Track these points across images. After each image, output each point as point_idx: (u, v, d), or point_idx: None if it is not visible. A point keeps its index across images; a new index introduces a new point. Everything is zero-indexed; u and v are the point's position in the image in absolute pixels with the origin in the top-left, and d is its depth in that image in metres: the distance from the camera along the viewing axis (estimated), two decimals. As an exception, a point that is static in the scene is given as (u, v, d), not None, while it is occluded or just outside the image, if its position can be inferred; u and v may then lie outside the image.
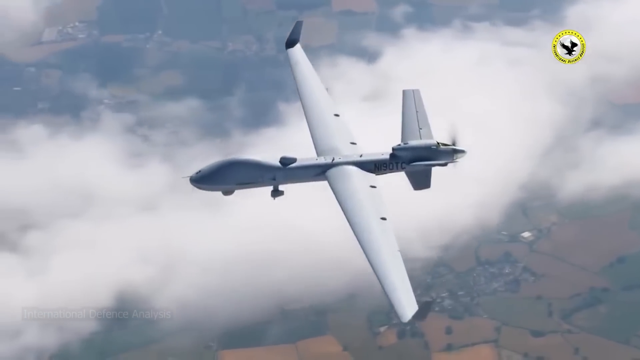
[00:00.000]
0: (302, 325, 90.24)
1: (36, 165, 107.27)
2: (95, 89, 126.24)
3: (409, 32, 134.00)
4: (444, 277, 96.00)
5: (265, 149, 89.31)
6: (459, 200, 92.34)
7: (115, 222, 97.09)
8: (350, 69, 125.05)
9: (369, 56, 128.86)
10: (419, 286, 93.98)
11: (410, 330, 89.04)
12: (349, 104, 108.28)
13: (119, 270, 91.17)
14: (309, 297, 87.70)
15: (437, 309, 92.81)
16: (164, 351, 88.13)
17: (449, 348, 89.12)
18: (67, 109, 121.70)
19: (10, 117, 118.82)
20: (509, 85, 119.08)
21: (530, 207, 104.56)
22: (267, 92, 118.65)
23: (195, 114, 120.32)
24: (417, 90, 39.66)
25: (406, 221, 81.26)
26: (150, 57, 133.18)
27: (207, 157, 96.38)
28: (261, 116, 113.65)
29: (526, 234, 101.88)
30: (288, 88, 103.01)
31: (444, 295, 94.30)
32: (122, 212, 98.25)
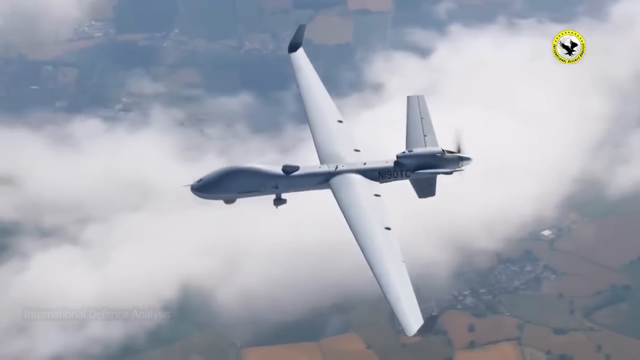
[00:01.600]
0: (325, 323, 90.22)
1: (92, 159, 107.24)
2: (113, 87, 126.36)
3: (456, 29, 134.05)
4: (466, 275, 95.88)
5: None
6: (513, 195, 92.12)
7: (174, 216, 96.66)
8: (404, 64, 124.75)
9: (421, 52, 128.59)
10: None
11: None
12: (403, 100, 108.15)
13: (181, 263, 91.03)
14: (364, 294, 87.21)
15: (459, 306, 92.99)
16: (187, 349, 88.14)
17: (472, 346, 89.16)
18: (84, 107, 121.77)
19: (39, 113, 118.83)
20: (561, 81, 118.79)
21: (552, 205, 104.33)
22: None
23: (249, 109, 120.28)
24: (422, 97, 39.20)
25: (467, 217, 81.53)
26: (167, 56, 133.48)
27: (262, 151, 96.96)
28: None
29: (546, 232, 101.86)
30: (342, 82, 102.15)
31: (465, 293, 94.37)
32: (180, 205, 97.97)
